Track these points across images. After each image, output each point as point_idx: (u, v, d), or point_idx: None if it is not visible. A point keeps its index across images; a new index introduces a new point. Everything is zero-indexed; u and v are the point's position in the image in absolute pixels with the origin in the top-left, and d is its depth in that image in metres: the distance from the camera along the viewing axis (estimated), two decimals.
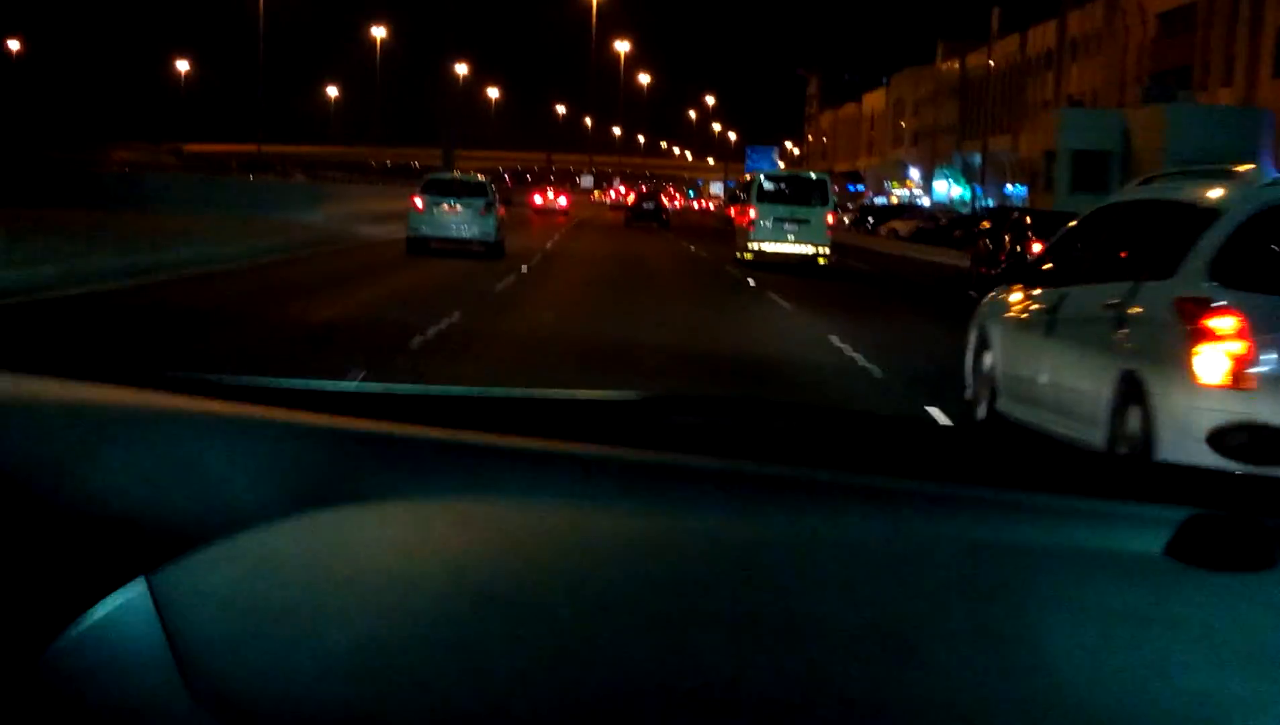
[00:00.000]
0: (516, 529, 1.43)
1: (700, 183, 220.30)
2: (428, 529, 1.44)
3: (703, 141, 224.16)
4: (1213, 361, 7.03)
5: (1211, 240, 7.42)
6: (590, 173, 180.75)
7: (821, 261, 31.84)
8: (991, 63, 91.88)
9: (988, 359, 10.46)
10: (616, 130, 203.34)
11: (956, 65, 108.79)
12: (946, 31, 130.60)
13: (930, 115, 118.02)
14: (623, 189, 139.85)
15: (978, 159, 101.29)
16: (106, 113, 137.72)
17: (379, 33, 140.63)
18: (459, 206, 31.86)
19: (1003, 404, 10.01)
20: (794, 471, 1.54)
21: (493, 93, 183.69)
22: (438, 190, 32.38)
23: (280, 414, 1.61)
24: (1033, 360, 9.49)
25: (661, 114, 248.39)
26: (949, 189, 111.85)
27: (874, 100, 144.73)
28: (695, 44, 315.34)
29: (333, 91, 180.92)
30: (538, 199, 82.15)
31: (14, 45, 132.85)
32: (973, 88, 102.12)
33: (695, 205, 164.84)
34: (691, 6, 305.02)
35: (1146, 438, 7.32)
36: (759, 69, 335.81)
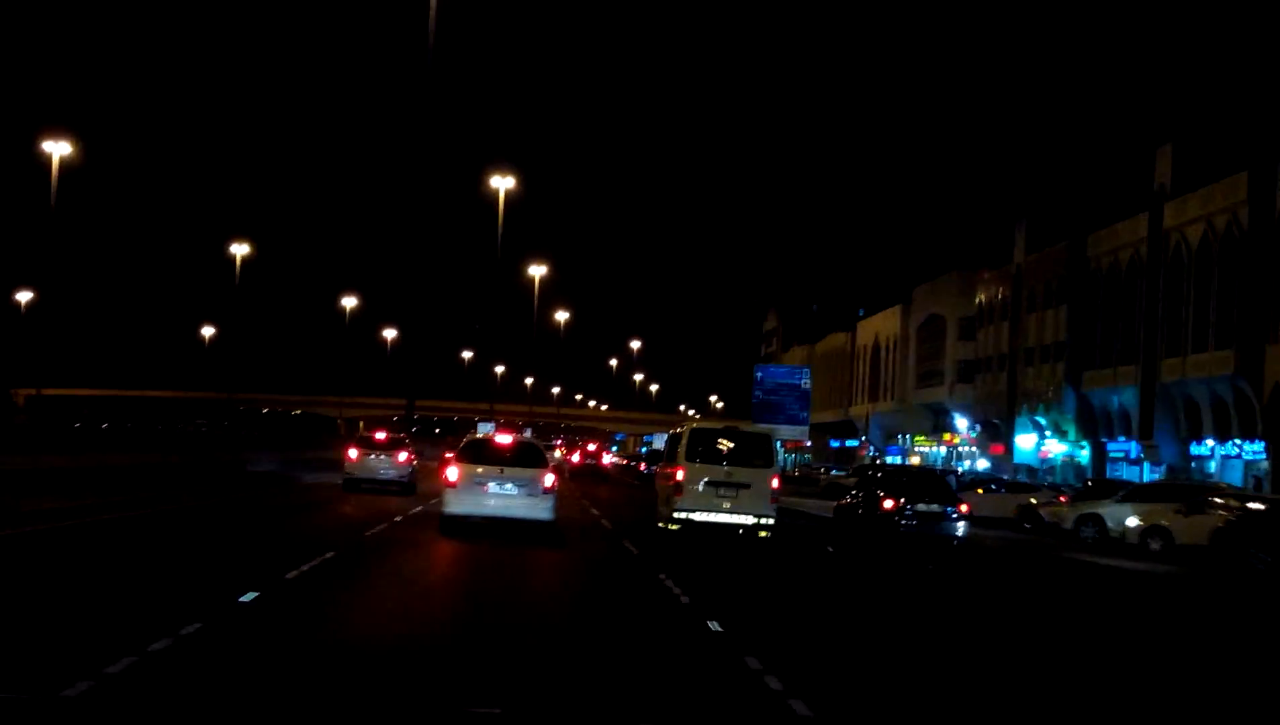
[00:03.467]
0: None
1: (620, 437, 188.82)
2: None
3: (624, 392, 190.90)
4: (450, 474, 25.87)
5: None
6: (493, 422, 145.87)
7: (763, 534, 27.54)
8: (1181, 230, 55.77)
9: None
10: (529, 380, 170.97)
11: (1048, 256, 72.47)
12: (970, 250, 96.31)
13: (994, 337, 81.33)
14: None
15: (1119, 397, 63.96)
16: None
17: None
18: (382, 456, 40.68)
19: None
20: None
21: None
22: (366, 445, 41.88)
23: None
24: None
25: (579, 365, 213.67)
26: (1040, 445, 74.16)
27: (880, 324, 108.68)
28: (620, 289, 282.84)
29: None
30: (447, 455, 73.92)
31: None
32: (1105, 285, 65.40)
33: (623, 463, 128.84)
34: (606, 242, 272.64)
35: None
36: (693, 312, 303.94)
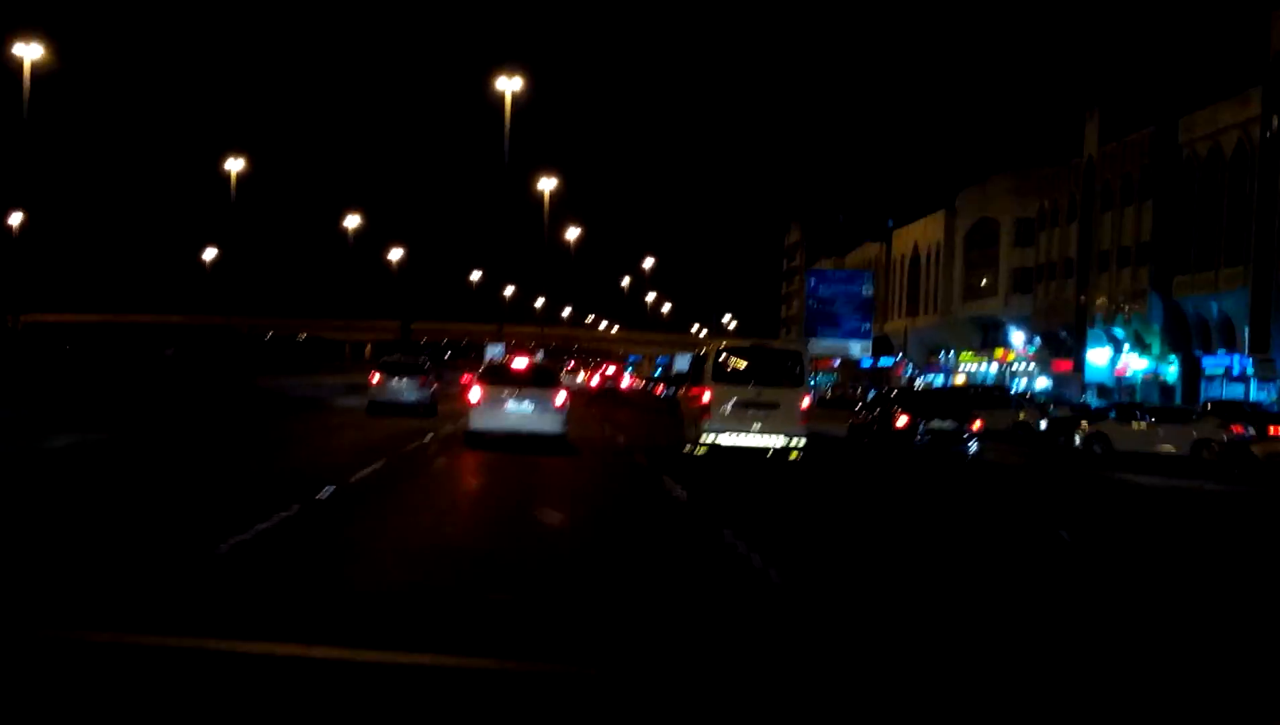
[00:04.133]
0: None
1: (635, 358, 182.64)
2: None
3: (636, 312, 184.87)
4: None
5: None
6: (502, 343, 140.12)
7: (794, 456, 26.36)
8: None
9: None
10: (539, 300, 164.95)
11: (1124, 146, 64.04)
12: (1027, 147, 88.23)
13: (1059, 241, 73.08)
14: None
15: (1219, 304, 55.87)
16: None
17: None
18: (404, 379, 41.37)
19: None
20: None
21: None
22: (388, 369, 42.16)
23: None
24: None
25: (590, 284, 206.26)
26: (1119, 359, 66.12)
27: (920, 232, 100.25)
28: (632, 204, 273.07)
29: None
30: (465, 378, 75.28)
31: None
32: (1202, 175, 56.98)
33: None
34: (619, 157, 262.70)
35: None
36: (709, 228, 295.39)
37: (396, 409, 39.34)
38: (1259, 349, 50.55)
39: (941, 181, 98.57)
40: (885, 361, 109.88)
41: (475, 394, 27.85)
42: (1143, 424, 36.45)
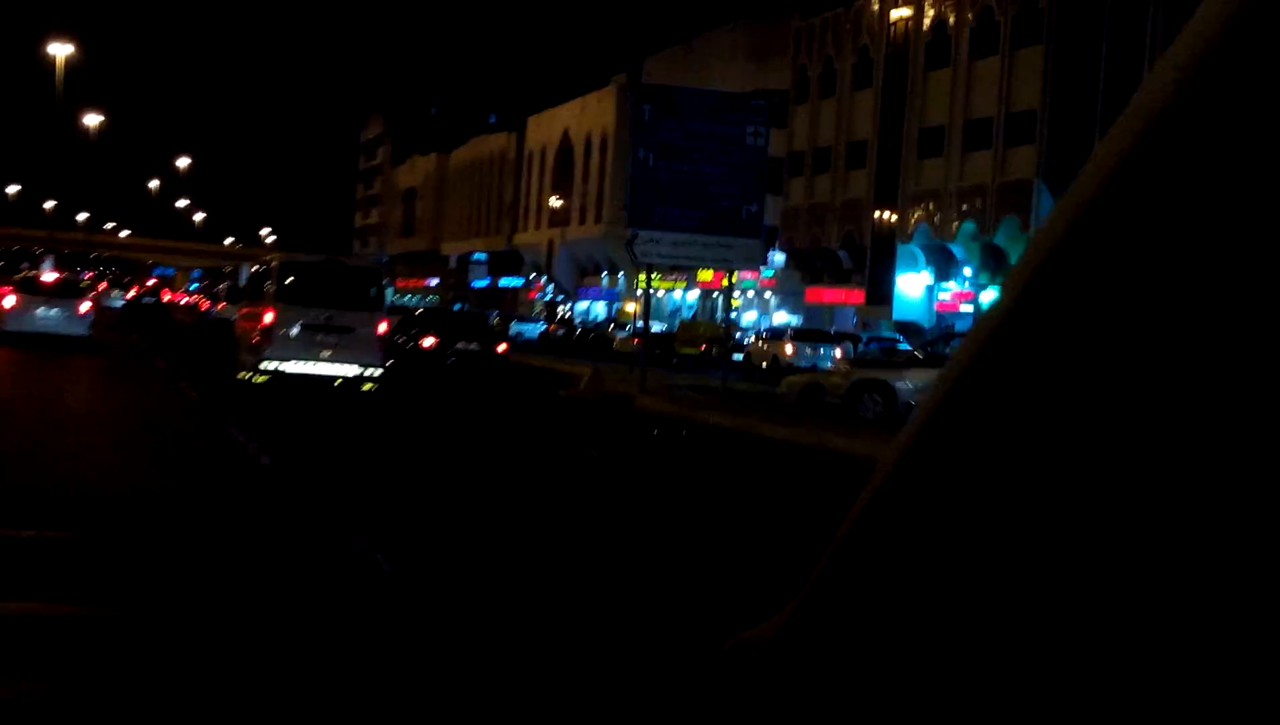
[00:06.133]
0: None
1: (163, 271, 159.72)
2: None
3: (166, 220, 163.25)
4: None
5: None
6: None
7: (368, 387, 24.59)
8: None
9: None
10: (49, 203, 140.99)
11: None
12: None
13: (840, 118, 51.85)
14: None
15: None
16: None
17: None
18: None
19: None
20: None
21: None
22: None
23: None
24: None
25: (112, 184, 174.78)
26: (937, 290, 45.76)
27: (574, 117, 77.34)
28: (161, 91, 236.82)
29: None
30: None
31: None
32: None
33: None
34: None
35: None
36: (256, 122, 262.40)
37: None
38: None
39: (603, 55, 76.19)
40: (512, 281, 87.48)
41: (9, 301, 32.13)
42: None
